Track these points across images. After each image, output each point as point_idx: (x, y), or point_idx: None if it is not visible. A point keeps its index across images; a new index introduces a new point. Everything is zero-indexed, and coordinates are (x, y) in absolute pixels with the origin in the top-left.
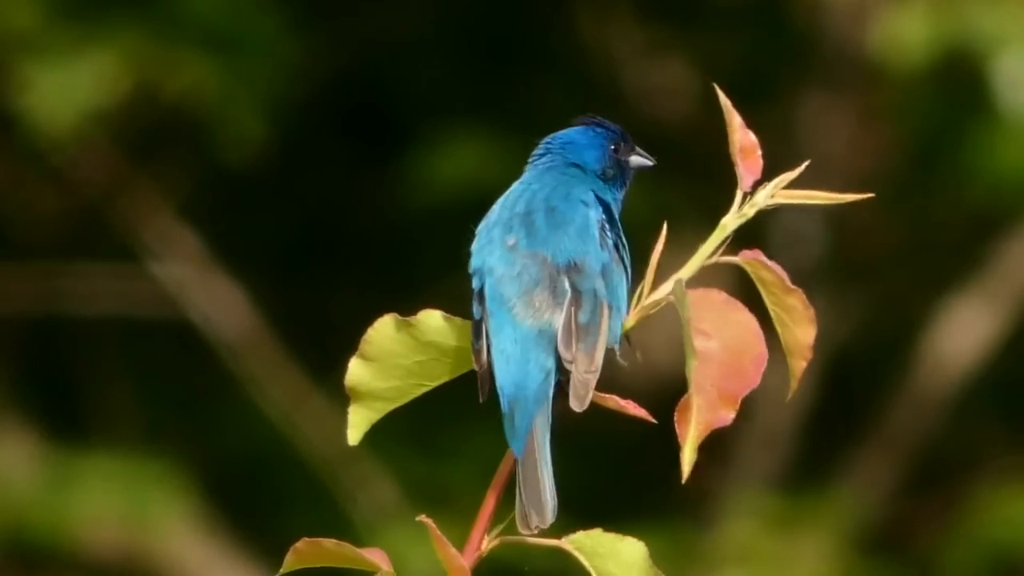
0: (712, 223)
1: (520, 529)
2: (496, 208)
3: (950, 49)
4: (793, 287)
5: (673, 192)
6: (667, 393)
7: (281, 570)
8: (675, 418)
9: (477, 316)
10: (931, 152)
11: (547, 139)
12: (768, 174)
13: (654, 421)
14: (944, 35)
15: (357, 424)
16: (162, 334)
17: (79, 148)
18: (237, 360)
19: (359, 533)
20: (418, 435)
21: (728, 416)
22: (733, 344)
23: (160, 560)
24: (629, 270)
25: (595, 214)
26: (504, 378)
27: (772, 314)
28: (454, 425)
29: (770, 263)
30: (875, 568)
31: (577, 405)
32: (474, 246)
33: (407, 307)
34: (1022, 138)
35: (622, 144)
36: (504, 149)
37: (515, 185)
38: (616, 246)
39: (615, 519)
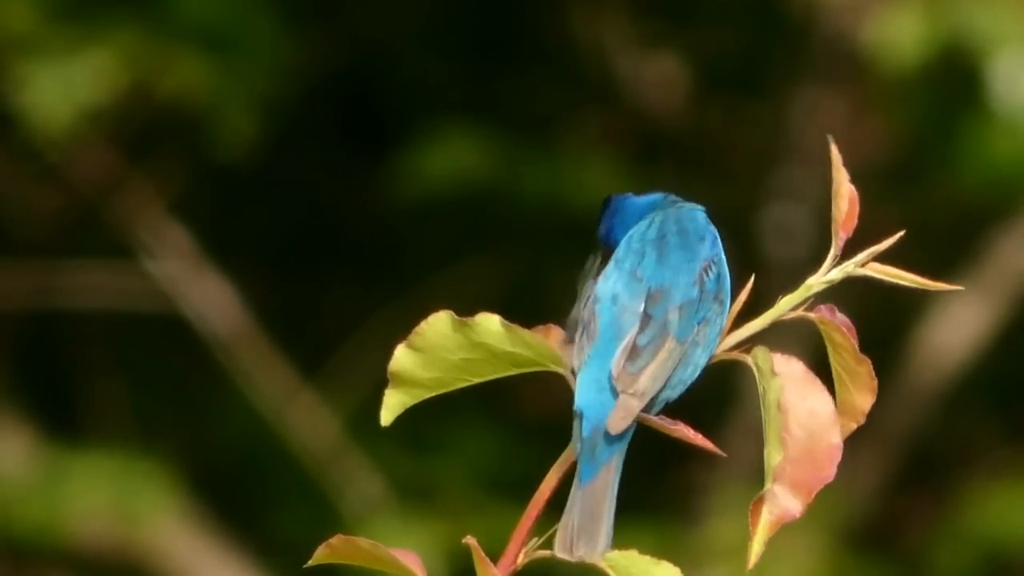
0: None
1: (559, 553)
2: (624, 242)
3: (945, 48)
4: (863, 357)
5: (664, 186)
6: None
7: (310, 562)
8: (749, 509)
9: (580, 345)
10: (925, 147)
11: (603, 228)
12: (762, 169)
13: (720, 451)
14: (939, 34)
15: (392, 407)
16: (155, 330)
17: (75, 146)
18: (228, 355)
19: (347, 527)
20: (405, 430)
21: (799, 508)
22: (809, 427)
23: (150, 554)
24: (726, 309)
25: (706, 250)
26: (594, 407)
27: (834, 373)
28: (441, 420)
29: (843, 323)
30: (865, 564)
31: (613, 428)
32: (602, 279)
33: (399, 303)
34: (1016, 135)
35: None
36: (496, 145)
37: (637, 226)
38: (718, 283)
39: None
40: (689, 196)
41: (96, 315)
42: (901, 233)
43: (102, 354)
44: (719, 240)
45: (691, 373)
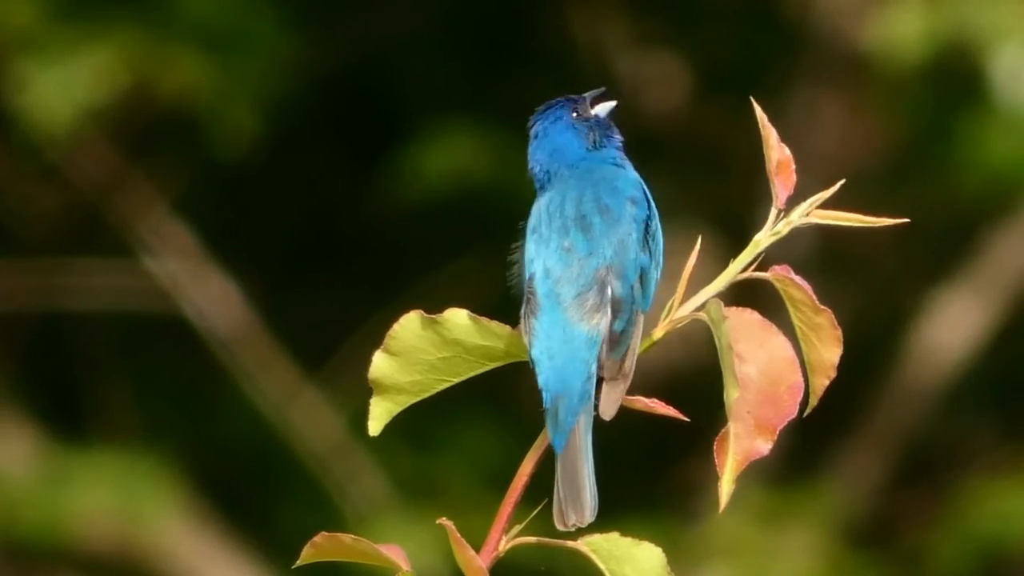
0: (704, 216)
1: (557, 525)
2: (541, 219)
3: (946, 44)
4: (823, 308)
5: (664, 183)
6: (662, 380)
7: (297, 562)
8: (714, 448)
9: (526, 325)
10: (923, 145)
11: (531, 161)
12: (760, 169)
13: (686, 419)
14: (940, 30)
15: (378, 416)
16: (157, 329)
17: (76, 145)
18: (231, 355)
19: (349, 525)
20: (407, 428)
21: (765, 447)
22: (769, 370)
23: (154, 553)
24: (661, 265)
25: (640, 212)
26: (550, 376)
27: (798, 331)
28: (443, 418)
29: (800, 281)
30: (863, 562)
31: (606, 413)
32: (527, 257)
33: (400, 301)
34: (1017, 130)
35: (578, 107)
36: (495, 143)
37: (552, 196)
38: (655, 240)
39: (603, 513)
40: (686, 196)
41: (99, 315)
42: (842, 181)
43: (105, 354)
44: (648, 195)
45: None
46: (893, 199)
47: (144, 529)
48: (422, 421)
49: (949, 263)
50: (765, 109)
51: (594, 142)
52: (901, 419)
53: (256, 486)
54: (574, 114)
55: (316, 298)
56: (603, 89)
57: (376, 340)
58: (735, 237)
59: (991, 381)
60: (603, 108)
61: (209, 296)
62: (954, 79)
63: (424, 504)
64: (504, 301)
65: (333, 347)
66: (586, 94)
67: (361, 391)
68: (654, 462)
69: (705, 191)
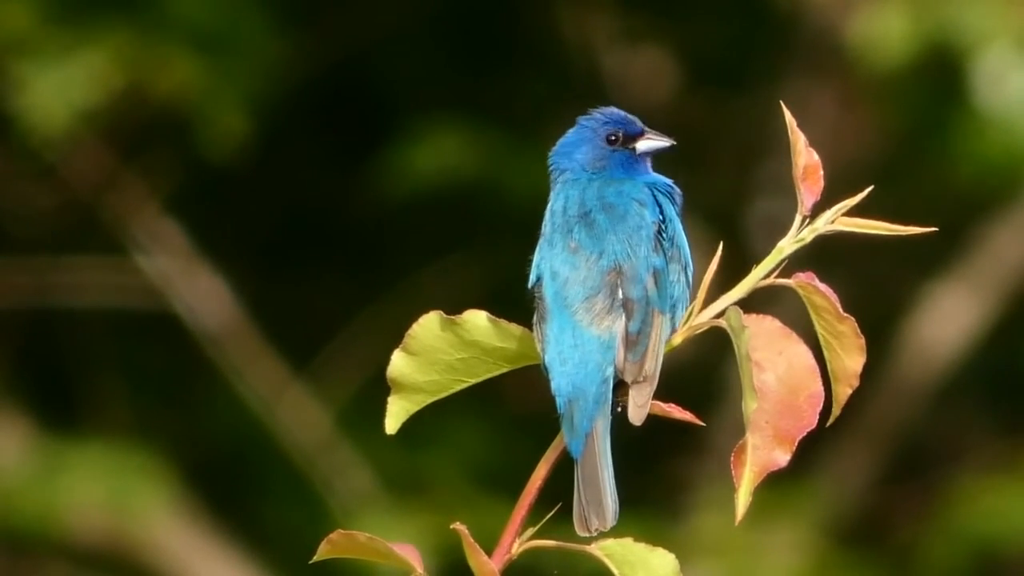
0: (692, 210)
1: (578, 531)
2: (547, 220)
3: (931, 44)
4: (846, 315)
5: None
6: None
7: (315, 558)
8: (731, 460)
9: (537, 331)
10: (913, 140)
11: (555, 148)
12: (749, 164)
13: (702, 423)
14: (924, 30)
15: (395, 414)
16: (148, 325)
17: (71, 146)
18: (219, 350)
19: (336, 520)
20: None
21: (783, 458)
22: (788, 379)
23: (143, 545)
24: (690, 267)
25: (650, 215)
26: (562, 380)
27: (821, 339)
28: (431, 415)
29: (823, 288)
30: (852, 559)
31: (635, 419)
32: (535, 260)
33: (387, 298)
34: (1001, 130)
35: (622, 133)
36: (483, 140)
37: (556, 196)
38: (674, 244)
39: None
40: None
41: (91, 311)
42: (870, 188)
43: (97, 349)
44: (669, 199)
45: (671, 330)
46: (886, 193)
47: (134, 522)
48: (409, 417)
49: (943, 257)
50: (754, 103)
51: (596, 169)
52: (894, 414)
53: (244, 480)
54: (611, 138)
55: (304, 295)
56: (672, 142)
57: (364, 337)
58: (723, 231)
59: (985, 376)
60: (646, 144)
61: (199, 293)
62: (939, 78)
63: (411, 500)
64: (491, 298)
65: (321, 343)
66: (648, 130)
67: (349, 387)
68: (641, 460)
69: (693, 185)
